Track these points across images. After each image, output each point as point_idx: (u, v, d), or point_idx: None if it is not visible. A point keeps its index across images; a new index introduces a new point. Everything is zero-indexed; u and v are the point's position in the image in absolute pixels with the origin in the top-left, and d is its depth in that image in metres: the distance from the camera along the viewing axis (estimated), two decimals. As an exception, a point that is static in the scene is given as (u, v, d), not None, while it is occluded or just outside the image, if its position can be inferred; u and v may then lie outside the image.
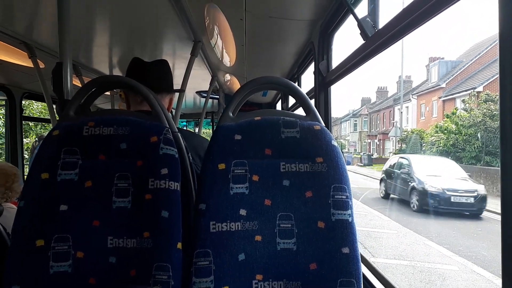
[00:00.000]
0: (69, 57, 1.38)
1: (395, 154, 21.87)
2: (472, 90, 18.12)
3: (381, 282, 1.42)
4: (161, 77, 1.58)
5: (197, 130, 6.15)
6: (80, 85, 3.07)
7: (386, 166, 14.20)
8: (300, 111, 1.18)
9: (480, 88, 17.99)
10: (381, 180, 13.91)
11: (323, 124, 1.13)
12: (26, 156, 7.81)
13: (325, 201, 1.05)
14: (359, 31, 1.41)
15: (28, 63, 2.62)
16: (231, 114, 1.15)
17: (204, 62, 3.09)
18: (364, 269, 1.55)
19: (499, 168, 0.72)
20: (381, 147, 35.42)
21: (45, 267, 1.03)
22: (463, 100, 17.61)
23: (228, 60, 3.13)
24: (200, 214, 1.05)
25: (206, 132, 8.59)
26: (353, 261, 1.03)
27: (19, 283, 1.01)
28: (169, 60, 1.67)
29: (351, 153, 37.88)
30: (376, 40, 1.30)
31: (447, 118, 16.23)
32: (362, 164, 30.03)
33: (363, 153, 34.28)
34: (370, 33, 1.36)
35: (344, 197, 1.05)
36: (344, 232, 1.03)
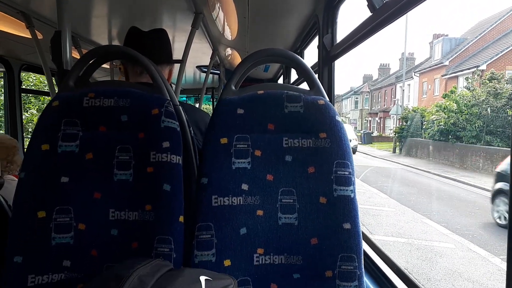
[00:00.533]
0: (67, 26, 1.34)
1: (395, 132, 21.88)
2: (475, 69, 17.92)
3: (381, 258, 1.43)
4: (161, 47, 1.53)
5: (197, 106, 6.11)
6: (78, 57, 3.02)
7: (503, 167, 7.47)
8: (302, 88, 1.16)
9: (483, 67, 17.78)
10: (497, 193, 7.22)
11: (327, 99, 1.11)
12: (30, 130, 7.80)
13: (328, 177, 1.05)
14: (366, 3, 1.37)
15: (26, 34, 2.56)
16: (234, 88, 1.13)
17: (205, 35, 3.02)
18: (364, 246, 1.57)
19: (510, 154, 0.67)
20: (381, 125, 35.36)
21: (47, 239, 1.04)
22: (466, 78, 17.39)
23: (229, 33, 3.07)
24: (202, 188, 1.04)
25: (206, 108, 8.54)
26: (354, 237, 1.03)
27: (21, 254, 1.02)
28: (169, 33, 1.63)
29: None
30: (384, 12, 1.26)
31: (445, 97, 16.07)
32: (362, 142, 30.09)
33: (363, 131, 34.28)
34: (378, 4, 1.32)
35: (346, 173, 1.05)
36: (346, 208, 1.03)
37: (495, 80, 14.40)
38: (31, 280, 1.01)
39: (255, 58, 1.12)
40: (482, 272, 5.29)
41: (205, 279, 0.83)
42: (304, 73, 1.13)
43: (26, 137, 4.74)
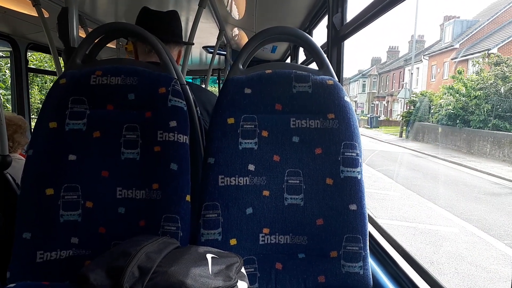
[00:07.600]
0: (74, 3, 1.33)
1: (402, 116, 21.67)
2: (485, 52, 17.54)
3: (387, 240, 1.43)
4: (170, 27, 1.53)
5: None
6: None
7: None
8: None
9: (494, 50, 17.40)
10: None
11: (337, 79, 1.09)
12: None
13: (335, 158, 1.04)
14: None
15: (33, 12, 2.53)
16: (241, 67, 1.12)
17: (212, 15, 2.98)
18: (370, 227, 1.57)
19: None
20: (389, 109, 35.03)
21: (55, 216, 1.05)
22: (474, 63, 17.04)
23: (237, 12, 3.02)
24: (208, 168, 1.04)
25: (212, 90, 8.50)
26: (360, 218, 1.03)
27: (30, 230, 1.03)
28: (176, 11, 1.62)
29: (358, 114, 37.60)
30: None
31: (453, 78, 15.82)
32: (368, 126, 29.94)
33: (370, 115, 34.02)
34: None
35: (354, 154, 1.04)
36: (352, 189, 1.03)
37: (503, 64, 14.06)
38: (39, 256, 1.03)
39: (264, 36, 1.10)
40: (486, 257, 5.31)
41: (212, 257, 0.83)
42: (313, 52, 1.11)
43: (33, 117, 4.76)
